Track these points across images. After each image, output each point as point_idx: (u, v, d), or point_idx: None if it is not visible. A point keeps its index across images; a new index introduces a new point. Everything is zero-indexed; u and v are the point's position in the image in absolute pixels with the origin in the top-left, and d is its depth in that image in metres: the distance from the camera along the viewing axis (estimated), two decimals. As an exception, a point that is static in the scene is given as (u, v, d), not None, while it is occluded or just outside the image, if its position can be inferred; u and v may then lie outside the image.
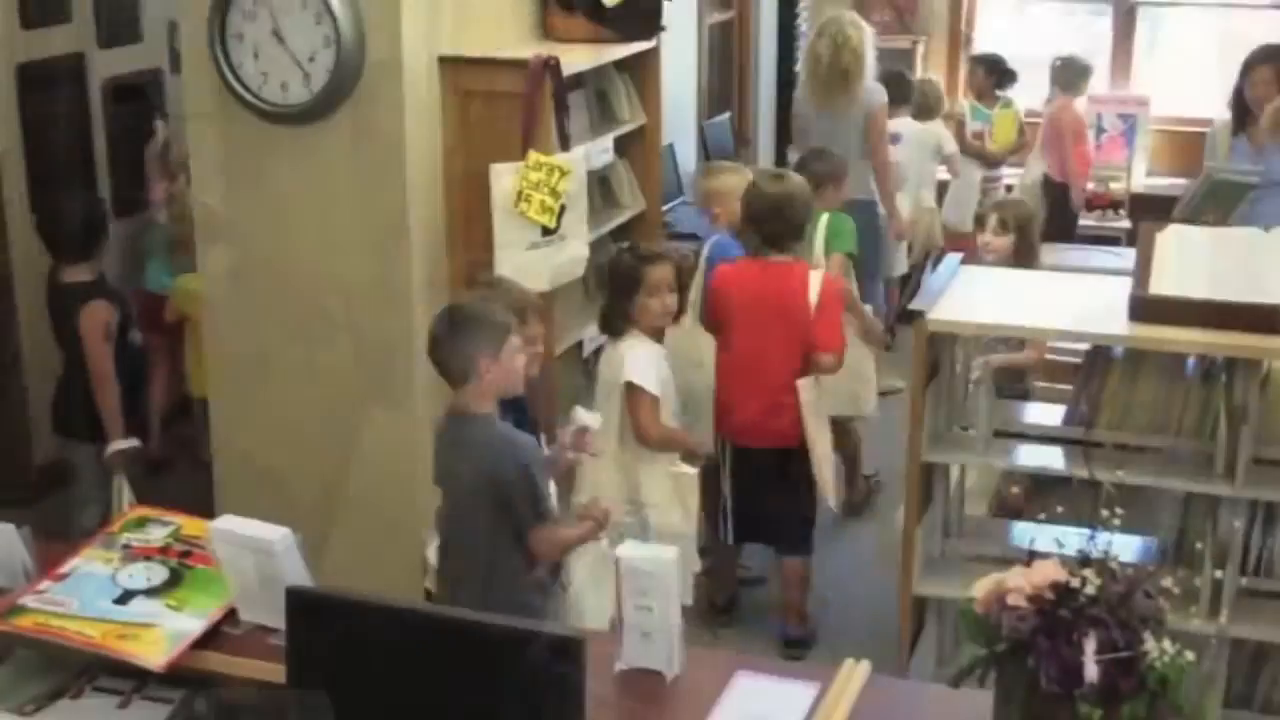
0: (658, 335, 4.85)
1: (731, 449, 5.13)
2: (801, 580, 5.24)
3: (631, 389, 4.68)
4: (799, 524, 5.21)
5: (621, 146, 5.58)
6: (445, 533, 3.99)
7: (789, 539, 5.23)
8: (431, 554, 4.79)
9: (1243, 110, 6.96)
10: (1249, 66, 6.96)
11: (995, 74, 8.70)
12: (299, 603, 2.55)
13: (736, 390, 5.06)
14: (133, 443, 5.14)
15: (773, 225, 5.08)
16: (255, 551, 2.77)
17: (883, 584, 4.87)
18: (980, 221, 5.68)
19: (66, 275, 5.26)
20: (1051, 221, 7.60)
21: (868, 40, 6.98)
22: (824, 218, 5.73)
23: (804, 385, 4.95)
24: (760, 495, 5.12)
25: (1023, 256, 5.43)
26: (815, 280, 5.05)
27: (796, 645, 5.19)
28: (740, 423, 5.08)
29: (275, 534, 2.76)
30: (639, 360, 4.72)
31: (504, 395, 3.84)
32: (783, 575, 5.29)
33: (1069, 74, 8.51)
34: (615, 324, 4.82)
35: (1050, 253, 7.44)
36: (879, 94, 7.04)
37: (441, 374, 3.84)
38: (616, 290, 4.81)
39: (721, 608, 5.39)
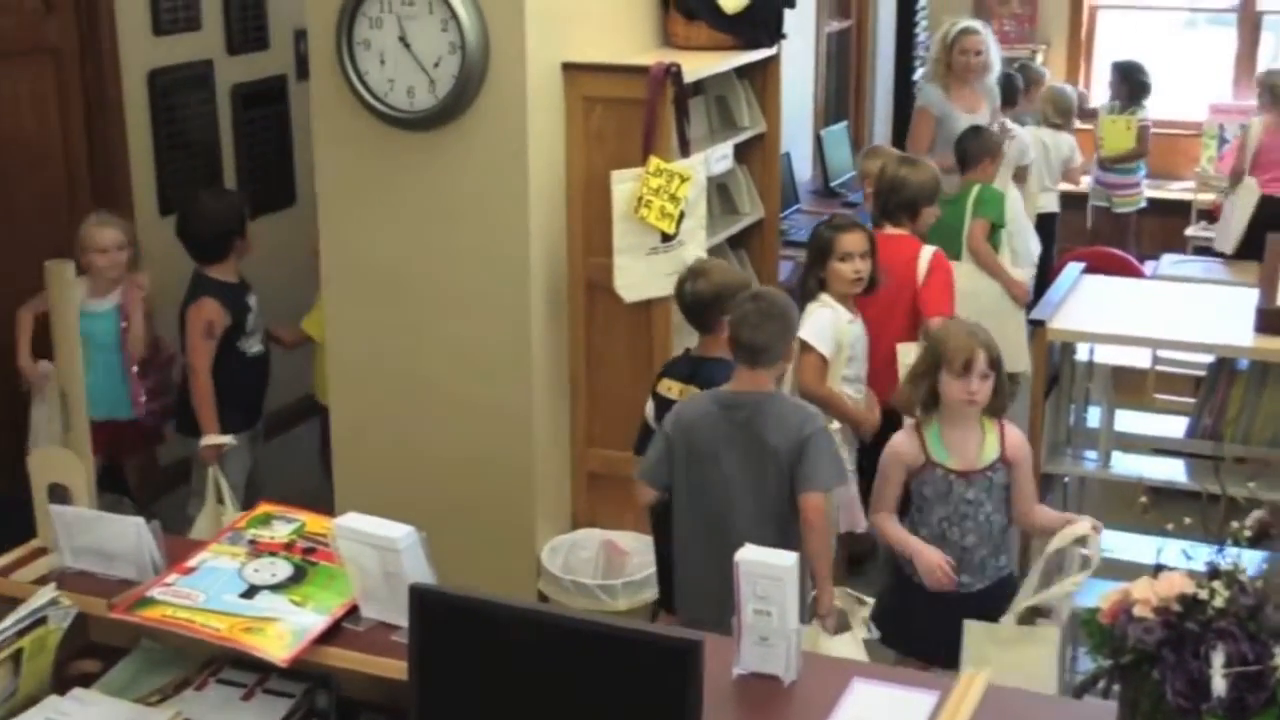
0: (849, 303, 5.04)
1: None
2: None
3: (803, 346, 4.78)
4: None
5: (740, 153, 5.58)
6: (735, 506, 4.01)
7: None
8: (546, 557, 4.84)
9: None
10: None
11: (1129, 82, 8.57)
12: (422, 600, 2.58)
13: None
14: (227, 439, 5.20)
15: (888, 200, 5.47)
16: (379, 549, 2.81)
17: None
18: None
19: (210, 273, 5.35)
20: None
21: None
22: (975, 189, 6.31)
23: (904, 349, 5.02)
24: (868, 452, 5.02)
25: None
26: (926, 253, 5.33)
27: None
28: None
29: (399, 531, 2.79)
30: (817, 320, 4.91)
31: None
32: None
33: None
34: (809, 287, 5.04)
35: (1169, 264, 7.37)
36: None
37: (755, 357, 3.97)
38: (811, 256, 5.06)
39: (858, 559, 5.53)
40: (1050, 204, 7.90)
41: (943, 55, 7.21)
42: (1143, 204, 8.74)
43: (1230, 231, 7.99)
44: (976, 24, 7.27)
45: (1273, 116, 8.00)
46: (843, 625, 4.07)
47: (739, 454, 3.98)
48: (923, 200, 5.49)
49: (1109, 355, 4.71)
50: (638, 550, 4.86)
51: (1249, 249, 7.40)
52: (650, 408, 4.54)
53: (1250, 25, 9.46)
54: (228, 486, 5.12)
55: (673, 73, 4.73)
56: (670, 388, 4.49)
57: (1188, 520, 2.83)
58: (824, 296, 5.01)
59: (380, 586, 2.85)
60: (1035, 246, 6.90)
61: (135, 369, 5.31)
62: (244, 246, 5.43)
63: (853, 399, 5.01)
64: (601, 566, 4.94)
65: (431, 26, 4.63)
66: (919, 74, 8.81)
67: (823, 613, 4.00)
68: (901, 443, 4.08)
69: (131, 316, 5.29)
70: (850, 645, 4.00)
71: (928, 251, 5.36)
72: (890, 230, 5.43)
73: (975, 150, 6.46)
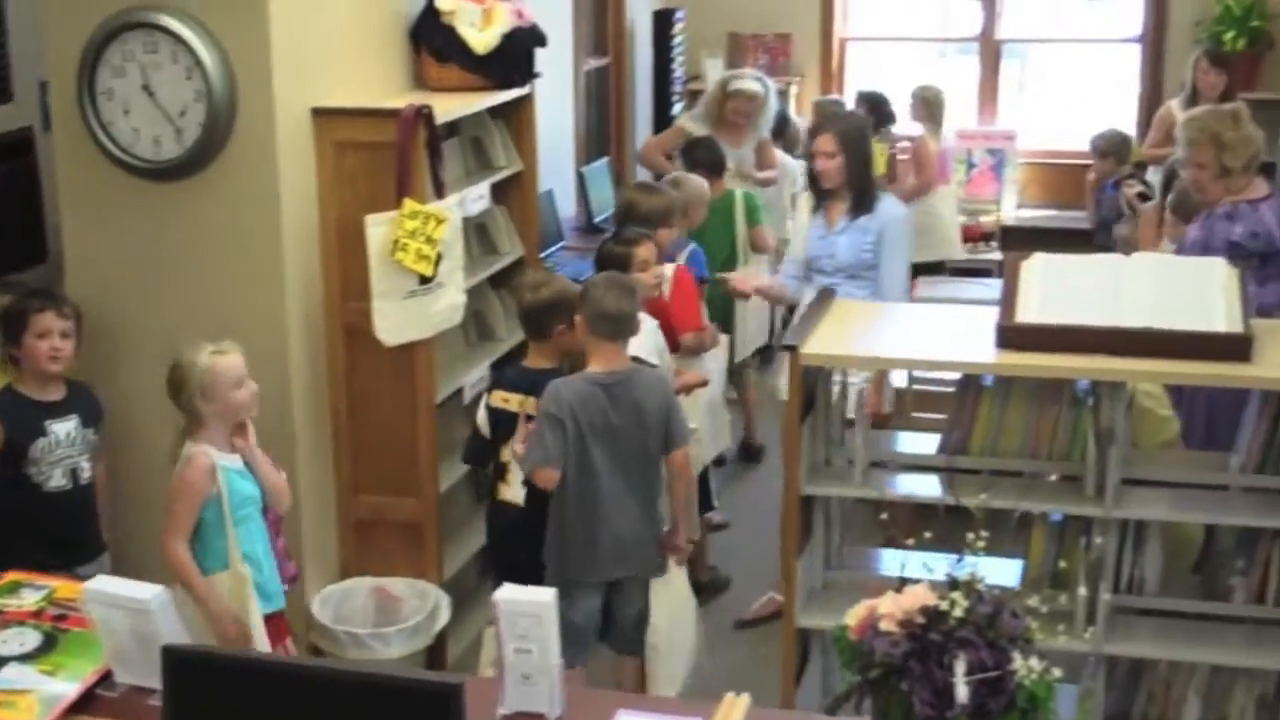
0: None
1: None
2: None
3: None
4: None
5: (499, 193, 5.60)
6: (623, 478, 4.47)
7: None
8: (316, 608, 4.78)
9: None
10: None
11: (875, 112, 8.79)
12: (175, 661, 2.53)
13: None
14: None
15: (624, 224, 5.70)
16: (130, 611, 2.76)
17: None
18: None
19: None
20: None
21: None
22: (739, 195, 6.74)
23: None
24: None
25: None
26: (668, 270, 5.55)
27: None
28: None
29: (150, 592, 2.75)
30: (640, 335, 4.98)
31: None
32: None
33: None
34: None
35: (924, 285, 7.62)
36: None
37: (620, 328, 4.42)
38: (625, 267, 5.18)
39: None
40: None
41: (716, 107, 7.37)
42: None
43: (952, 239, 8.55)
44: (757, 88, 7.36)
45: (931, 129, 8.57)
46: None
47: (614, 426, 4.40)
48: (657, 221, 5.66)
49: (865, 377, 4.85)
50: (410, 596, 4.85)
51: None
52: (483, 417, 4.78)
53: (991, 54, 9.85)
54: None
55: (424, 115, 4.74)
56: (508, 399, 4.72)
57: (928, 535, 2.93)
58: None
59: (133, 649, 2.80)
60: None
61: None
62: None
63: None
64: (374, 614, 4.89)
65: (175, 75, 4.57)
66: (678, 109, 8.97)
67: (679, 544, 4.62)
68: None
69: None
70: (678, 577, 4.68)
71: (669, 269, 5.57)
72: None
73: (717, 157, 6.79)
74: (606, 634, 4.63)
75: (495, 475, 4.83)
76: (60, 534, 4.49)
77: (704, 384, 5.58)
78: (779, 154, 7.78)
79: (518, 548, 4.58)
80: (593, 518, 4.44)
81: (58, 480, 4.50)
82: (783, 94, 9.38)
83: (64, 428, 4.52)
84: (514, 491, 4.73)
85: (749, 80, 7.39)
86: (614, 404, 4.41)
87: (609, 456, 4.43)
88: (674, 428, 4.52)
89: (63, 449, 4.51)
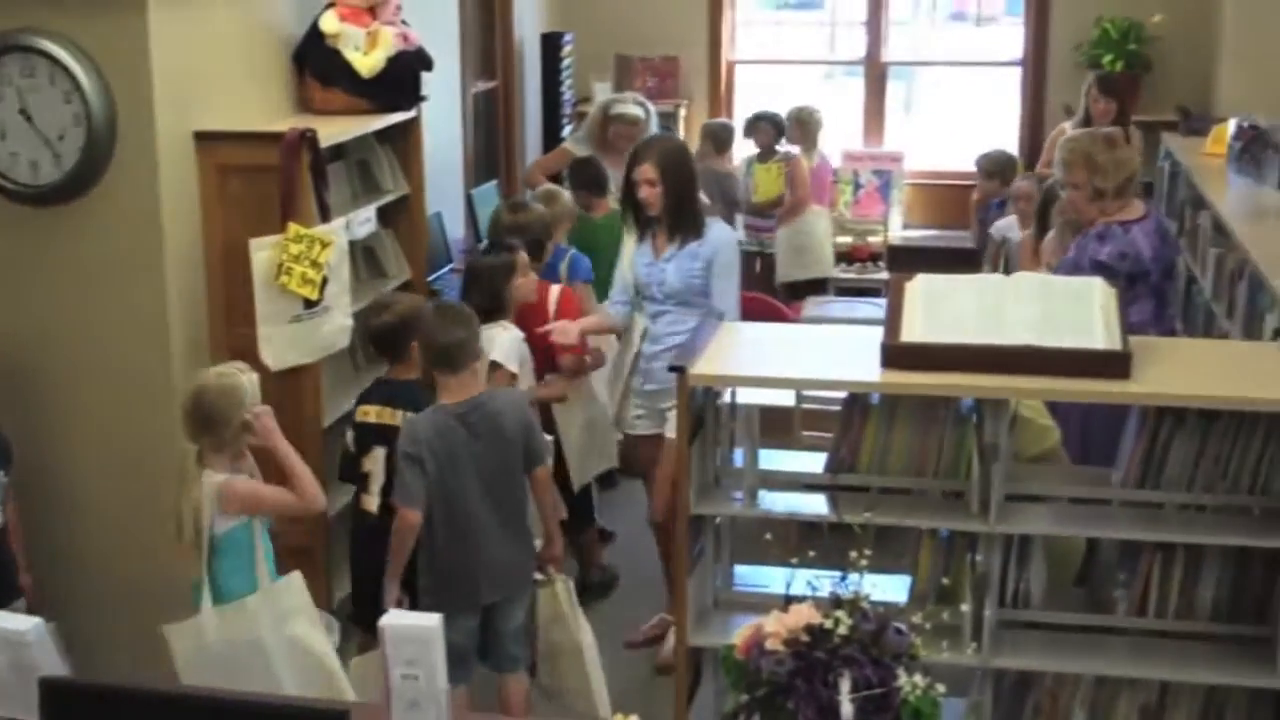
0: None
1: None
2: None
3: (493, 365, 5.04)
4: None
5: (387, 216, 5.58)
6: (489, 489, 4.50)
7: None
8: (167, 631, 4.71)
9: None
10: None
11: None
12: (52, 693, 2.49)
13: None
14: None
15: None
16: (7, 643, 2.70)
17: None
18: None
19: None
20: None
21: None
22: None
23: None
24: None
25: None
26: (554, 292, 5.72)
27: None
28: None
29: (27, 624, 2.70)
30: (503, 341, 5.17)
31: None
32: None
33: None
34: (490, 311, 5.17)
35: (813, 305, 7.70)
36: None
37: (453, 360, 4.41)
38: (495, 278, 5.30)
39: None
40: None
41: (598, 130, 7.41)
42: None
43: (824, 256, 8.69)
44: (638, 112, 7.42)
45: (806, 149, 8.72)
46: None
47: (476, 454, 4.42)
48: (525, 235, 5.73)
49: (755, 397, 4.87)
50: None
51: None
52: (350, 436, 4.82)
53: (876, 76, 9.96)
54: None
55: (308, 138, 4.71)
56: (368, 412, 4.79)
57: (812, 553, 2.95)
58: (503, 322, 5.26)
59: (10, 682, 2.74)
60: None
61: None
62: None
63: None
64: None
65: (54, 98, 4.51)
66: (567, 131, 8.98)
67: (556, 555, 4.71)
68: None
69: None
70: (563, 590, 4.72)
71: (555, 291, 5.70)
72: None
73: (602, 177, 6.85)
74: (487, 653, 4.63)
75: (358, 487, 4.83)
76: None
77: (562, 399, 5.64)
78: None
79: (378, 555, 4.54)
80: (465, 547, 4.46)
81: None
82: (671, 116, 9.45)
83: None
84: (375, 502, 4.75)
85: (630, 105, 7.45)
86: (471, 432, 4.43)
87: (475, 485, 4.45)
88: (533, 446, 4.58)
89: None
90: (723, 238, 5.40)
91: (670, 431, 4.81)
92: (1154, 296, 5.23)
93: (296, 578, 4.19)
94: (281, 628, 4.07)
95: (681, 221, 5.31)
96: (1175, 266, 5.40)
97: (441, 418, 4.43)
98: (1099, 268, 5.02)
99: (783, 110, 8.84)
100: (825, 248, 8.75)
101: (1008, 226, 7.19)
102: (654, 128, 7.56)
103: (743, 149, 9.04)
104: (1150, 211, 5.37)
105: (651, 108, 7.61)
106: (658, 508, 5.45)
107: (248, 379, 4.18)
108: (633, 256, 5.47)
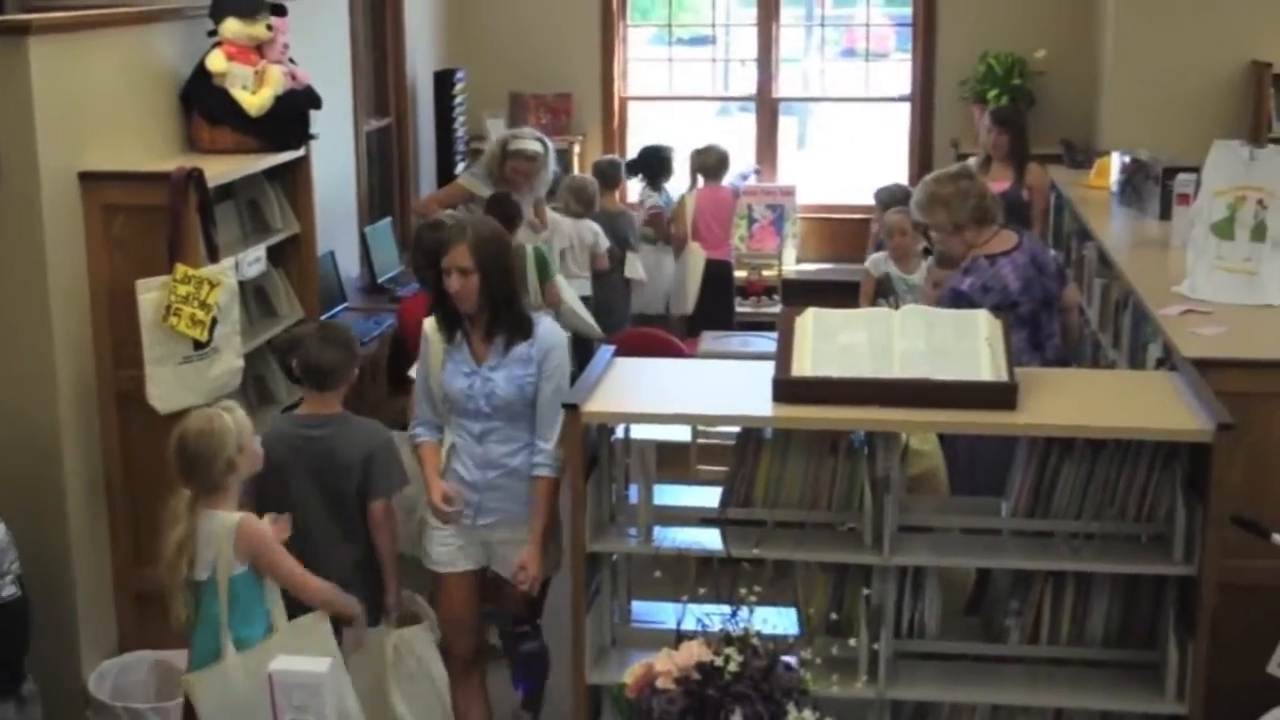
0: None
1: None
2: None
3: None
4: None
5: (278, 256, 5.54)
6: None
7: None
8: (93, 684, 4.63)
9: None
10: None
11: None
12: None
13: None
14: None
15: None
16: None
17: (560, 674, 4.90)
18: None
19: None
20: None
21: None
22: (531, 249, 6.60)
23: None
24: None
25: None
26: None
27: None
28: None
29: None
30: None
31: None
32: None
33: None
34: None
35: (710, 339, 7.72)
36: None
37: (322, 380, 4.51)
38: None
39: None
40: (584, 288, 8.11)
41: (496, 165, 7.38)
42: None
43: (687, 294, 8.65)
44: (537, 148, 7.36)
45: (705, 189, 8.74)
46: (412, 618, 4.64)
47: (312, 468, 4.47)
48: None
49: (649, 433, 4.88)
50: (192, 668, 4.72)
51: (703, 309, 8.56)
52: None
53: (768, 112, 10.04)
54: None
55: (195, 177, 4.67)
56: None
57: (702, 590, 2.95)
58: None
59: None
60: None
61: None
62: None
63: None
64: (155, 688, 4.76)
65: (-67, 139, 4.43)
66: (461, 168, 8.95)
67: (390, 605, 4.58)
68: None
69: None
70: (421, 636, 4.58)
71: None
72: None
73: (514, 210, 6.75)
74: None
75: None
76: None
77: None
78: (549, 212, 7.83)
79: None
80: (307, 552, 4.37)
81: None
82: (565, 153, 9.44)
83: None
84: None
85: (529, 140, 7.42)
86: (308, 445, 4.50)
87: (316, 498, 4.49)
88: (374, 478, 4.51)
89: None
90: (556, 339, 4.65)
91: (508, 571, 4.63)
92: (1027, 325, 5.29)
93: (318, 616, 4.18)
94: None
95: (502, 319, 4.53)
96: (1055, 296, 5.46)
97: (287, 425, 4.59)
98: (958, 298, 5.11)
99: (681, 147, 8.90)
100: (694, 283, 8.76)
101: (884, 259, 7.25)
102: (552, 163, 7.56)
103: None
104: (1022, 242, 5.42)
105: (550, 143, 7.60)
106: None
107: (232, 418, 4.13)
108: (441, 366, 4.58)
